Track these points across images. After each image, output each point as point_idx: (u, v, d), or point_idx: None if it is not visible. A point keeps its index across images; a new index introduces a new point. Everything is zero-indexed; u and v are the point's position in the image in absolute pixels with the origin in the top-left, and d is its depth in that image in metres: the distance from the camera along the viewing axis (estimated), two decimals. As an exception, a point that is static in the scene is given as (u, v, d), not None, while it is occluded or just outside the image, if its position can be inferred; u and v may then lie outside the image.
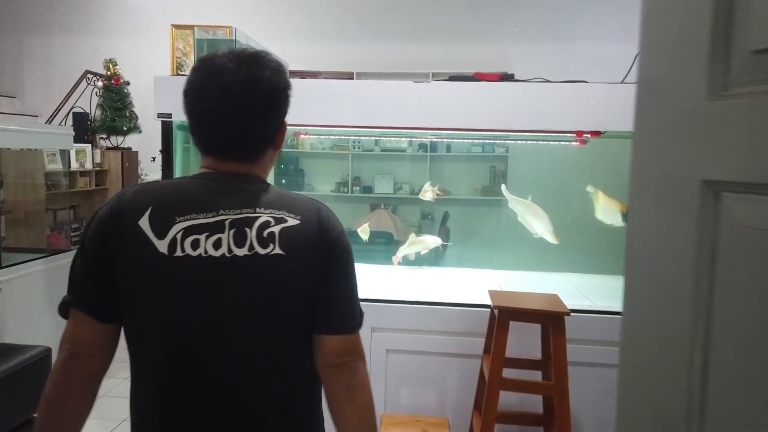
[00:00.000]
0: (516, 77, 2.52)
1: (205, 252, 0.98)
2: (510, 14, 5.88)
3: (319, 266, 1.04)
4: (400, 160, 6.01)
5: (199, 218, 1.00)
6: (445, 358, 2.58)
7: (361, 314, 1.10)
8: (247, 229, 1.00)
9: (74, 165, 5.21)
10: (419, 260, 4.32)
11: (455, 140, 5.22)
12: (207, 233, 0.99)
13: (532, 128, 2.46)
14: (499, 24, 5.88)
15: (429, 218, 5.92)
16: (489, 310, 2.42)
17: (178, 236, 0.98)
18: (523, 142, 3.48)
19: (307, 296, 1.03)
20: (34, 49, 6.49)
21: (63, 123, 5.54)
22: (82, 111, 5.58)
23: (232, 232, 0.99)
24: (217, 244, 0.99)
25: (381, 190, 5.96)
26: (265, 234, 1.00)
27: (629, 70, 2.54)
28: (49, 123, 5.46)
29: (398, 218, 5.27)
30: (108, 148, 5.62)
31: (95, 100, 5.61)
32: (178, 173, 3.26)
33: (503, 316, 2.10)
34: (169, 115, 2.58)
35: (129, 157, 5.59)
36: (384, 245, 4.21)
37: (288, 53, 4.17)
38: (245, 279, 0.99)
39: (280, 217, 1.02)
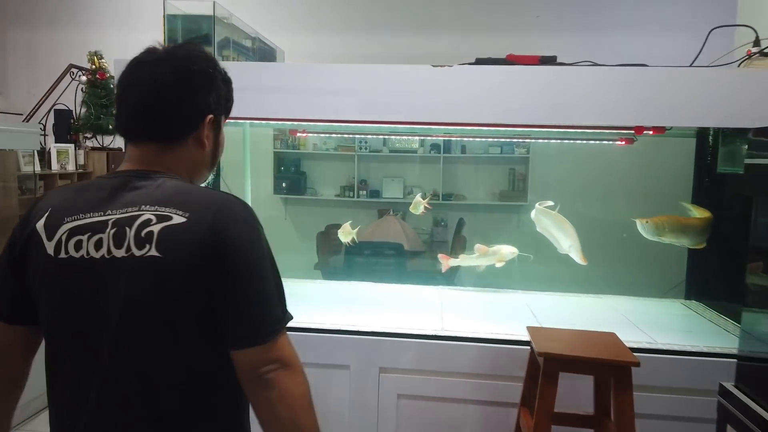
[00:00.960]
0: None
1: (87, 253, 0.95)
2: (530, 2, 5.39)
3: (207, 271, 0.93)
4: (411, 161, 5.55)
5: (85, 218, 0.96)
6: (469, 405, 2.10)
7: (280, 319, 0.98)
8: (127, 229, 0.94)
9: (55, 167, 4.78)
10: (426, 279, 3.85)
11: (471, 138, 4.74)
12: (89, 233, 0.95)
13: (581, 123, 1.98)
14: (518, 13, 5.40)
15: (442, 225, 5.44)
16: (527, 349, 1.94)
17: (63, 237, 0.96)
18: (545, 141, 3.00)
19: (191, 303, 0.93)
20: (18, 42, 6.07)
21: (43, 121, 5.11)
22: (66, 108, 5.14)
23: (112, 232, 0.95)
24: (98, 245, 0.95)
25: (390, 194, 5.50)
26: (143, 234, 0.93)
27: (699, 53, 2.06)
28: (27, 121, 5.02)
29: (409, 226, 4.78)
30: (93, 149, 5.17)
31: (80, 96, 5.17)
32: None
33: (552, 366, 1.62)
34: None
35: (115, 159, 5.13)
36: (393, 258, 3.72)
37: (289, 45, 3.71)
38: (121, 283, 0.93)
39: (165, 214, 0.94)
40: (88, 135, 5.17)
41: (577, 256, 2.35)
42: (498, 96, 1.97)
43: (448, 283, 3.22)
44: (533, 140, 3.51)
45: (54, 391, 1.01)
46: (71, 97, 5.22)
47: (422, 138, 5.24)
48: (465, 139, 4.82)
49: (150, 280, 0.92)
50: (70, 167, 4.86)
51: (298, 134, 3.08)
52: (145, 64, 1.02)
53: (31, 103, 5.47)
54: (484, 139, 4.95)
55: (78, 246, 0.94)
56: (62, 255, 0.95)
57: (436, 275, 4.11)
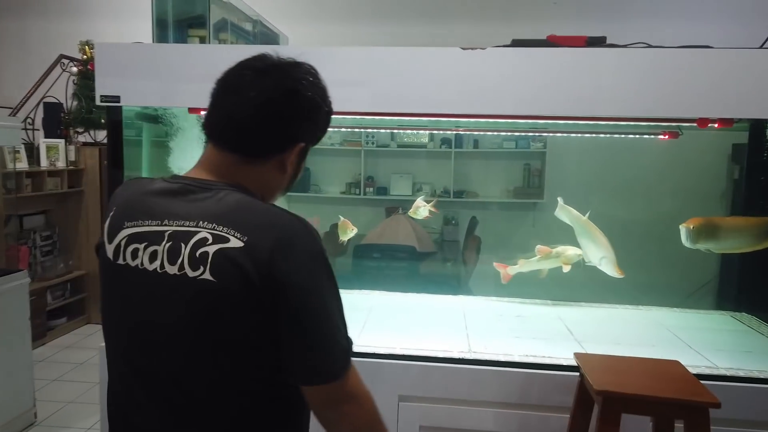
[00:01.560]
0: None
1: (141, 264, 0.92)
2: (547, -11, 5.09)
3: (263, 303, 0.88)
4: (420, 157, 5.27)
5: (144, 225, 0.94)
6: (503, 439, 1.83)
7: (346, 351, 0.94)
8: (182, 245, 0.90)
9: (44, 163, 4.52)
10: (443, 286, 3.58)
11: (485, 132, 4.46)
12: (146, 243, 0.93)
13: (636, 114, 1.70)
14: (535, 1, 5.10)
15: (453, 224, 5.17)
16: (571, 376, 1.68)
17: (122, 243, 0.95)
18: (565, 134, 2.74)
19: (245, 334, 0.90)
20: (8, 32, 5.78)
21: (32, 115, 4.83)
22: (56, 101, 4.87)
23: (167, 246, 0.91)
24: (153, 257, 0.92)
25: (398, 191, 5.23)
26: (197, 254, 0.89)
27: (771, 32, 1.77)
28: (15, 115, 4.75)
29: (419, 225, 4.50)
30: (85, 144, 4.90)
31: (71, 88, 4.89)
32: (144, 175, 2.54)
33: (613, 406, 1.35)
34: (116, 99, 1.85)
35: (109, 155, 4.86)
36: (406, 263, 3.45)
37: (292, 33, 3.44)
38: (170, 301, 0.91)
39: (222, 235, 0.89)
40: (80, 129, 4.91)
41: (611, 269, 2.07)
42: (539, 83, 1.69)
43: (467, 291, 2.95)
44: (551, 134, 3.24)
45: (110, 386, 1.03)
46: (62, 90, 4.95)
47: (432, 132, 4.96)
48: (477, 132, 4.55)
49: (201, 303, 0.89)
50: (60, 164, 4.61)
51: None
52: (252, 70, 0.97)
53: (22, 96, 5.19)
54: (499, 133, 4.68)
55: (134, 254, 0.93)
56: (120, 261, 0.95)
57: (451, 281, 3.84)
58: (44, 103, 4.83)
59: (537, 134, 4.52)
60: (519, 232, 5.11)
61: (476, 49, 1.71)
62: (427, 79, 1.78)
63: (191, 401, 0.92)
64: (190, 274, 0.88)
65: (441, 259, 4.26)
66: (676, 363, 1.55)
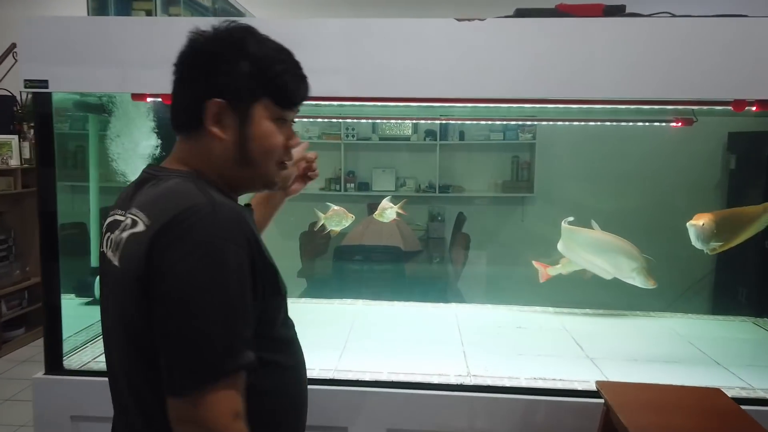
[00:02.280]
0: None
1: (108, 253, 0.92)
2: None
3: (142, 293, 0.81)
4: (403, 150, 5.00)
5: (115, 215, 0.94)
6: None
7: (212, 370, 0.77)
8: (116, 232, 0.90)
9: (-5, 161, 4.16)
10: (432, 291, 3.32)
11: (477, 121, 4.20)
12: (109, 232, 0.93)
13: (666, 97, 1.44)
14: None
15: (439, 220, 4.91)
16: (589, 403, 1.42)
17: (105, 230, 0.95)
18: (561, 123, 2.50)
19: (141, 326, 0.82)
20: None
21: (-19, 109, 4.46)
22: (9, 94, 4.51)
23: (113, 234, 0.91)
24: (108, 244, 0.92)
25: (380, 186, 4.96)
26: (116, 239, 0.89)
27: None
28: (-39, 109, 4.37)
29: (404, 222, 4.22)
30: (41, 140, 4.55)
31: (25, 80, 4.52)
32: (93, 176, 2.24)
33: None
34: (44, 84, 1.54)
35: (68, 151, 4.51)
36: (390, 265, 3.18)
37: (262, 14, 3.12)
38: (112, 293, 0.90)
39: (135, 219, 0.86)
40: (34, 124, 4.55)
41: (643, 281, 1.81)
42: (548, 61, 1.43)
43: (459, 298, 2.69)
44: (548, 122, 2.99)
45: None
46: (15, 81, 4.58)
47: (416, 122, 4.68)
48: (468, 122, 4.29)
49: (115, 292, 0.88)
50: (14, 162, 4.25)
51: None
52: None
53: (-28, 89, 4.80)
54: (490, 122, 4.43)
55: (108, 242, 0.92)
56: (102, 248, 0.94)
57: (440, 285, 3.58)
58: (-5, 96, 4.47)
59: (530, 123, 4.27)
60: (507, 227, 4.88)
61: (474, 20, 1.44)
62: (415, 58, 1.50)
63: (140, 404, 0.86)
64: (113, 260, 0.88)
65: (428, 260, 3.99)
66: (718, 392, 1.31)
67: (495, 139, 4.81)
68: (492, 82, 1.45)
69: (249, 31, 0.91)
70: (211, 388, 0.77)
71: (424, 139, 4.93)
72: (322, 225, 2.21)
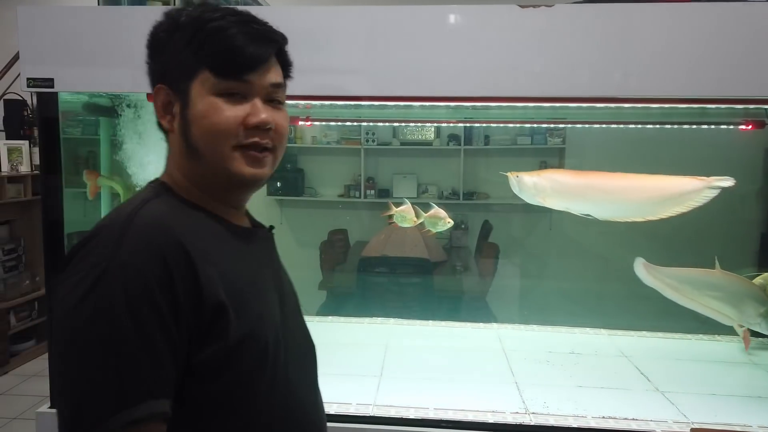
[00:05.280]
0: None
1: None
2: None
3: None
4: (425, 155, 4.83)
5: None
6: None
7: (75, 426, 0.64)
8: None
9: (5, 167, 4.04)
10: (466, 308, 3.13)
11: (497, 124, 4.02)
12: None
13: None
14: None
15: (462, 228, 4.71)
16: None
17: None
18: (598, 126, 2.35)
19: None
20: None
21: (-9, 114, 4.35)
22: (19, 98, 4.39)
23: None
24: None
25: (401, 193, 4.78)
26: None
27: None
28: (-30, 114, 4.26)
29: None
30: (52, 146, 4.42)
31: (36, 84, 4.40)
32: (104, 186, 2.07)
33: None
34: (49, 83, 1.36)
35: (79, 157, 4.38)
36: (418, 278, 2.98)
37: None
38: None
39: None
40: (46, 129, 4.42)
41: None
42: (627, 54, 1.23)
43: (493, 317, 2.50)
44: (572, 125, 2.79)
45: None
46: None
47: (438, 125, 4.51)
48: (492, 125, 4.11)
49: None
50: (24, 168, 4.12)
51: (300, 123, 2.32)
52: None
53: (-17, 93, 4.69)
54: (513, 126, 4.24)
55: None
56: None
57: (472, 301, 3.37)
58: (5, 100, 4.39)
59: (561, 126, 4.08)
60: (535, 237, 4.67)
61: (540, 6, 1.24)
62: (463, 51, 1.31)
63: None
64: None
65: (453, 271, 3.78)
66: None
67: (522, 144, 4.61)
68: (560, 78, 1.25)
69: (193, 5, 0.79)
70: None
71: (448, 144, 4.75)
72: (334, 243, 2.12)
